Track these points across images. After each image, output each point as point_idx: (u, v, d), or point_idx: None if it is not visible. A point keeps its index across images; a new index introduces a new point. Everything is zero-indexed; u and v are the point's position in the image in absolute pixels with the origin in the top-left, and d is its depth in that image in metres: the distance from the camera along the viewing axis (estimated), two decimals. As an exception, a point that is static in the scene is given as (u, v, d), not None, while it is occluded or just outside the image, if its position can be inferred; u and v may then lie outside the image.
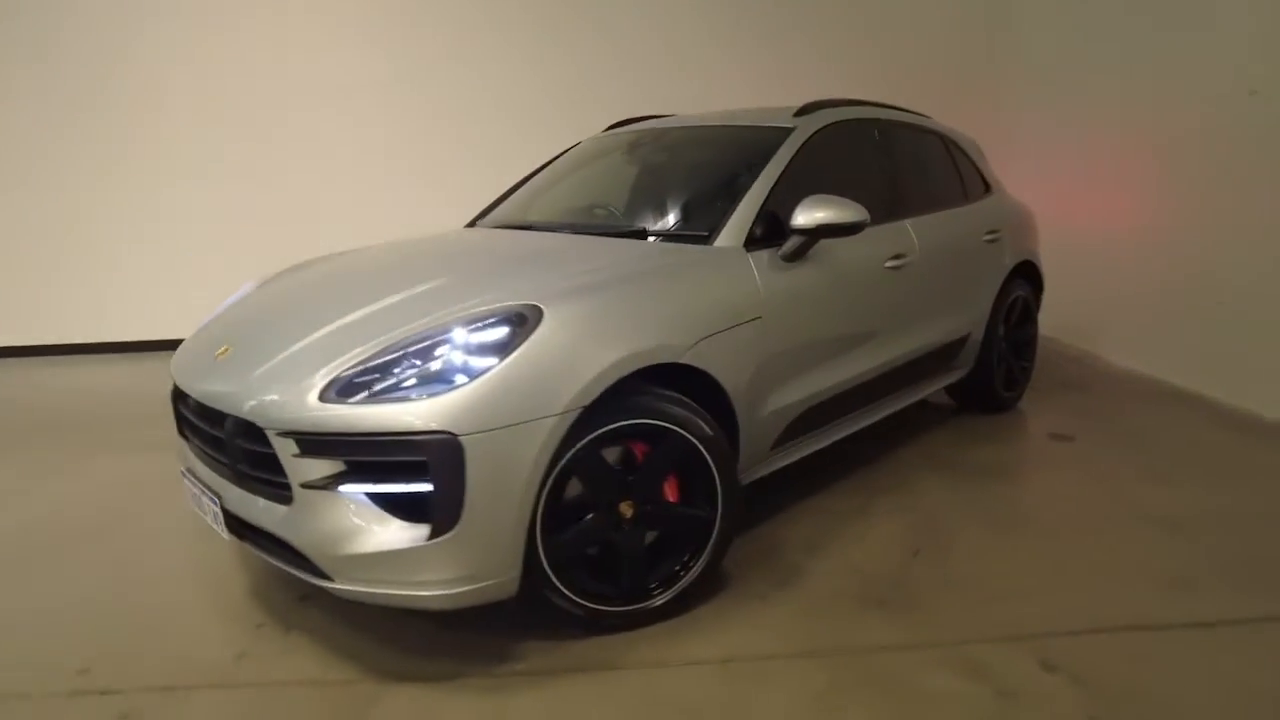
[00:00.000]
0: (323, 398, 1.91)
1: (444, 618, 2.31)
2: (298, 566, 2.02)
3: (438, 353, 1.95)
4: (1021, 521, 2.92)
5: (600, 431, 2.08)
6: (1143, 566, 2.58)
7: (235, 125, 6.02)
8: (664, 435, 2.20)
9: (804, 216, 2.60)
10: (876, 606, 2.38)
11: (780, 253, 2.65)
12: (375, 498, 1.91)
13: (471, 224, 3.48)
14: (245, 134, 6.03)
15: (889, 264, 3.09)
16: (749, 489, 2.72)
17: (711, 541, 2.32)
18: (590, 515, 2.16)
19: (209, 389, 2.15)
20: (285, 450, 1.93)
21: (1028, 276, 4.18)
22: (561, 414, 1.95)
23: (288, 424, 1.92)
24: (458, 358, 1.94)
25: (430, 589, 1.92)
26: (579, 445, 2.06)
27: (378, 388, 1.91)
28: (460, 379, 1.89)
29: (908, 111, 3.75)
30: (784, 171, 2.81)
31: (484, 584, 1.95)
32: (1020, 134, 6.18)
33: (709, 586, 2.45)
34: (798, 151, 2.90)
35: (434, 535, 1.87)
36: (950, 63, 6.36)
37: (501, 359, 1.93)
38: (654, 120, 3.70)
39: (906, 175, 3.47)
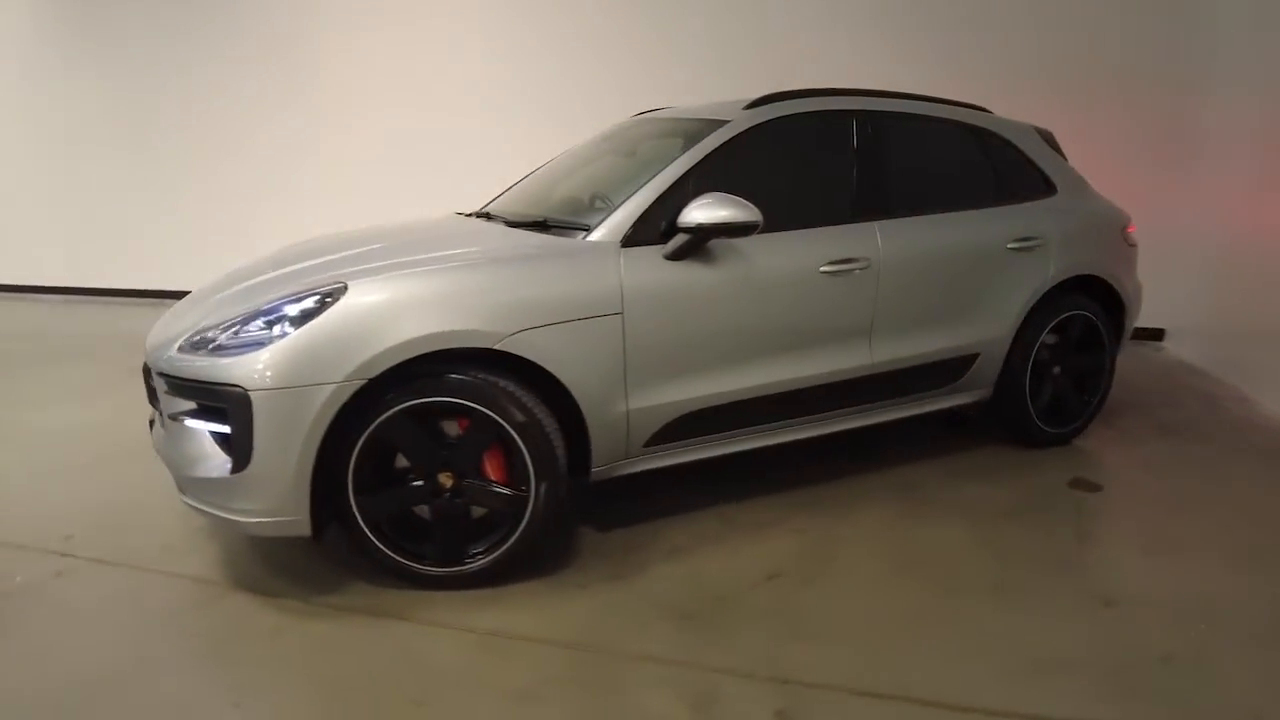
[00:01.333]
0: (180, 349, 2.36)
1: (320, 548, 2.69)
2: (175, 480, 2.51)
3: (265, 321, 2.29)
4: (928, 571, 2.60)
5: (409, 404, 2.30)
6: (1013, 645, 2.20)
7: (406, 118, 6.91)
8: (476, 416, 2.35)
9: (688, 215, 2.56)
10: (679, 618, 2.33)
11: (664, 251, 2.62)
12: (213, 434, 2.32)
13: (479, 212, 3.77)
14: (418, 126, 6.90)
15: (827, 269, 2.86)
16: (624, 481, 2.76)
17: (523, 523, 2.43)
18: (408, 481, 2.39)
19: (149, 337, 2.71)
20: (160, 387, 2.42)
21: (1095, 294, 3.54)
22: (342, 382, 2.20)
23: (160, 367, 2.40)
24: (273, 326, 2.26)
25: (241, 515, 2.29)
26: (387, 414, 2.29)
27: (214, 345, 2.30)
28: (265, 345, 2.22)
29: (927, 101, 3.35)
30: (694, 168, 2.74)
31: (277, 519, 2.27)
32: (1207, 121, 5.08)
33: (542, 566, 2.58)
34: (722, 146, 2.81)
35: (234, 470, 2.24)
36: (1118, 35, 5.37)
37: (296, 329, 2.22)
38: (654, 112, 3.71)
39: (892, 172, 3.13)
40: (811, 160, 3.07)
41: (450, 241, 2.78)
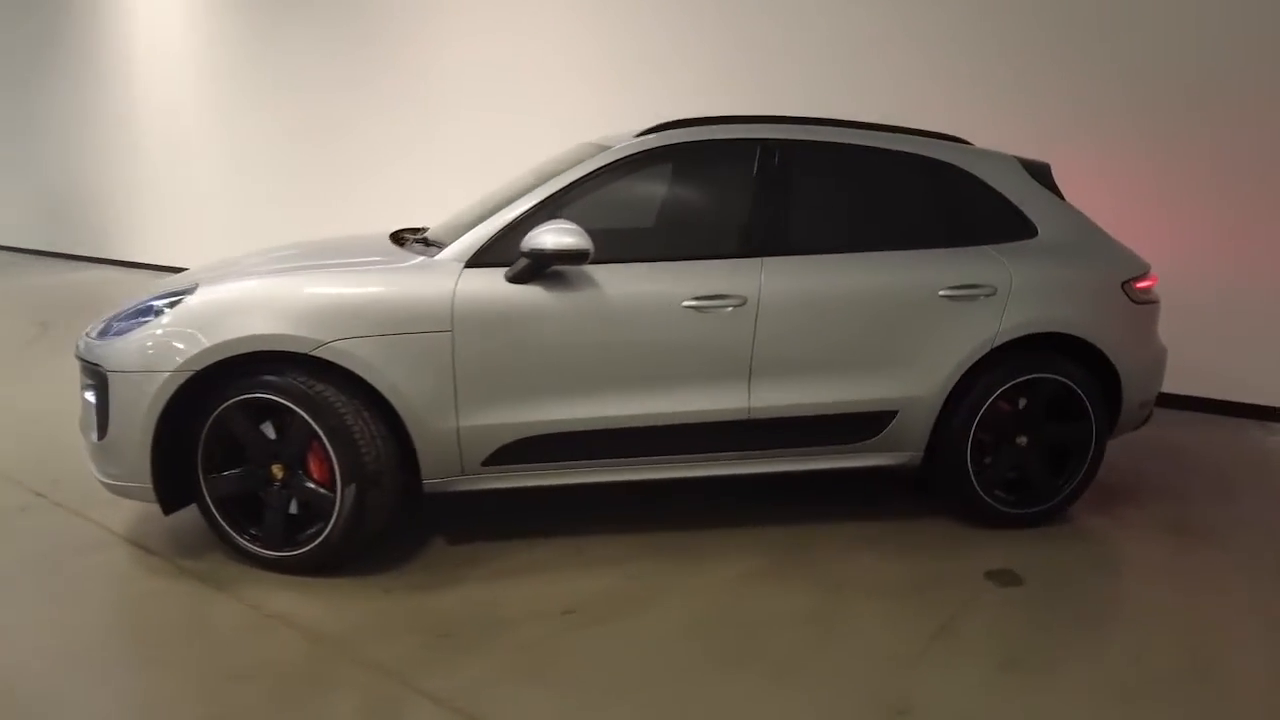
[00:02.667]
0: (89, 334, 2.80)
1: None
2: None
3: (139, 314, 2.66)
4: (730, 640, 2.39)
5: (239, 398, 2.56)
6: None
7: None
8: (293, 416, 2.55)
9: (526, 240, 2.59)
10: (436, 635, 2.38)
11: (507, 274, 2.66)
12: (95, 406, 2.73)
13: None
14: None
15: (691, 304, 2.73)
16: (459, 497, 2.82)
17: (331, 522, 2.59)
18: (243, 467, 2.65)
19: None
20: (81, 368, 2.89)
21: (1079, 355, 3.01)
22: (174, 371, 2.50)
23: (76, 348, 2.86)
24: (141, 319, 2.62)
25: (105, 477, 2.68)
26: (225, 405, 2.57)
27: (103, 330, 2.71)
28: (129, 333, 2.59)
29: (872, 130, 3.05)
30: (559, 194, 2.76)
31: (127, 484, 2.63)
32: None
33: (371, 565, 2.74)
34: (596, 173, 2.79)
35: (99, 438, 2.62)
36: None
37: (149, 322, 2.56)
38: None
39: (802, 206, 2.90)
40: (698, 191, 2.95)
41: (329, 253, 3.00)
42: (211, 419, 2.59)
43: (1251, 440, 4.30)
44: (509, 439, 2.72)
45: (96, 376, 2.62)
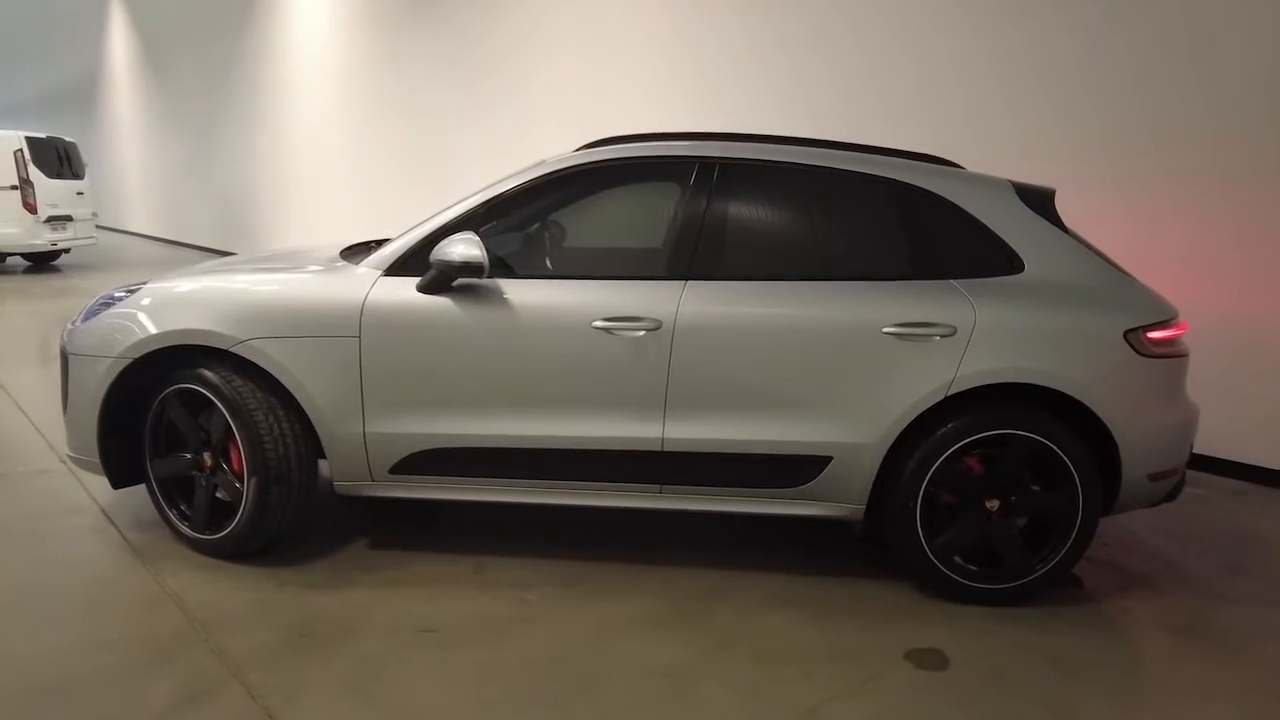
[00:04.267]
0: (73, 321, 3.11)
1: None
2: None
3: (104, 303, 2.93)
4: (567, 684, 2.24)
5: (177, 387, 2.75)
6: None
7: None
8: (213, 407, 2.70)
9: (434, 251, 2.60)
10: (294, 634, 2.42)
11: (417, 284, 2.67)
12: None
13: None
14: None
15: (600, 324, 2.59)
16: (384, 500, 2.85)
17: (239, 512, 2.70)
18: (182, 452, 2.84)
19: None
20: (68, 350, 3.23)
21: (1070, 414, 2.57)
22: (114, 358, 2.72)
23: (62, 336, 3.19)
24: (104, 308, 2.89)
25: (69, 451, 2.96)
26: (165, 393, 2.77)
27: (81, 316, 3.00)
28: (91, 319, 2.86)
29: (839, 150, 2.77)
30: (485, 206, 2.74)
31: (83, 458, 2.89)
32: None
33: (292, 556, 2.85)
34: (521, 187, 2.75)
35: (63, 411, 2.91)
36: None
37: (105, 311, 2.81)
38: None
39: (738, 229, 2.68)
40: (628, 209, 2.81)
41: (279, 260, 3.16)
42: (156, 405, 2.81)
43: None
44: (415, 449, 2.72)
45: (63, 356, 2.92)
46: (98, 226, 11.64)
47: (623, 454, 2.68)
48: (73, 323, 3.05)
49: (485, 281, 2.66)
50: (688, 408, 2.65)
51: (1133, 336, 2.59)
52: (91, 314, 2.92)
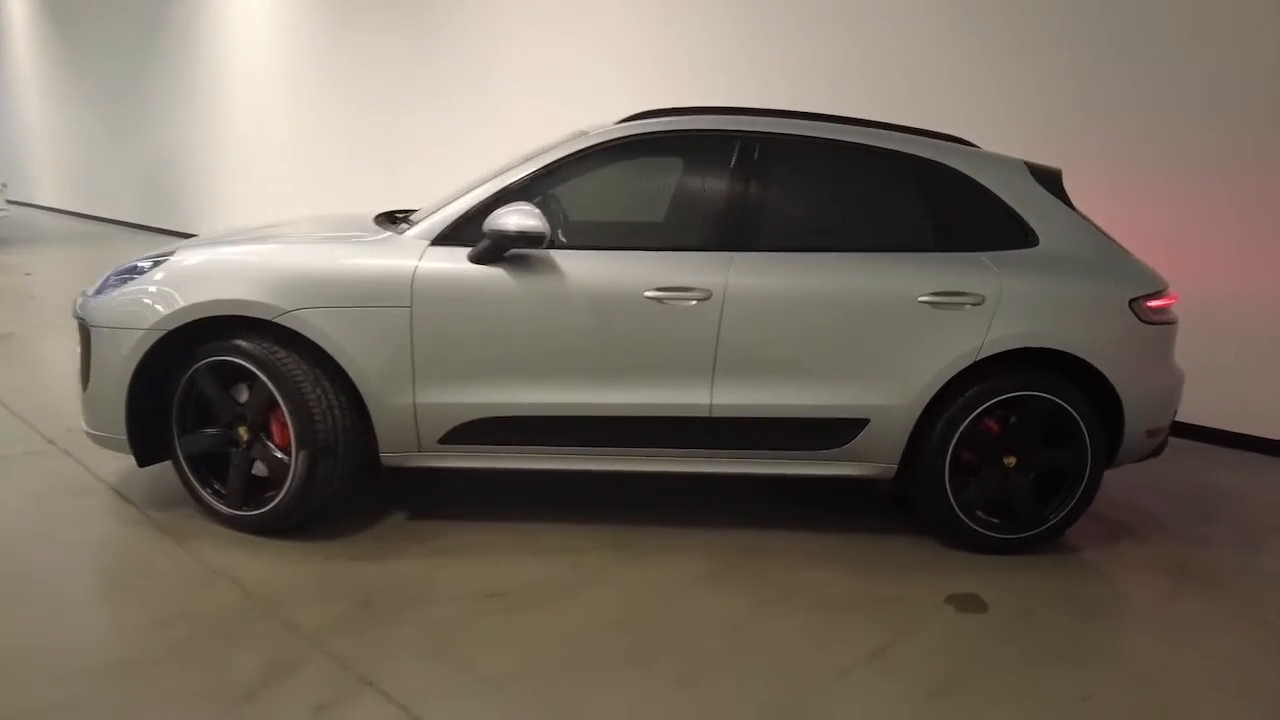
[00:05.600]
0: (85, 292, 2.97)
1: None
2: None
3: (125, 274, 2.80)
4: (649, 640, 2.33)
5: (208, 360, 2.67)
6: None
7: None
8: (256, 380, 2.64)
9: (487, 221, 2.60)
10: (359, 604, 2.41)
11: (469, 253, 2.68)
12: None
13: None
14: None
15: (652, 294, 2.67)
16: (419, 473, 2.85)
17: (285, 487, 2.66)
18: (214, 427, 2.76)
19: None
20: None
21: (1078, 375, 2.80)
22: (146, 330, 2.62)
23: (75, 308, 3.03)
24: (126, 279, 2.77)
25: (90, 429, 2.83)
26: (197, 366, 2.68)
27: (97, 289, 2.87)
28: (112, 291, 2.74)
29: (866, 127, 2.91)
30: (534, 176, 2.76)
31: (105, 435, 2.77)
32: None
33: (322, 530, 2.80)
34: (568, 158, 2.78)
35: (83, 389, 2.78)
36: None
37: (132, 280, 2.70)
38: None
39: (780, 202, 2.80)
40: (673, 181, 2.89)
41: (312, 227, 3.09)
42: (185, 379, 2.71)
43: (1265, 478, 3.89)
44: (465, 419, 2.74)
45: (82, 330, 2.78)
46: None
47: (672, 420, 2.77)
48: (86, 294, 2.91)
49: (537, 252, 2.69)
50: (735, 375, 2.75)
51: (1135, 305, 2.85)
52: (111, 284, 2.79)
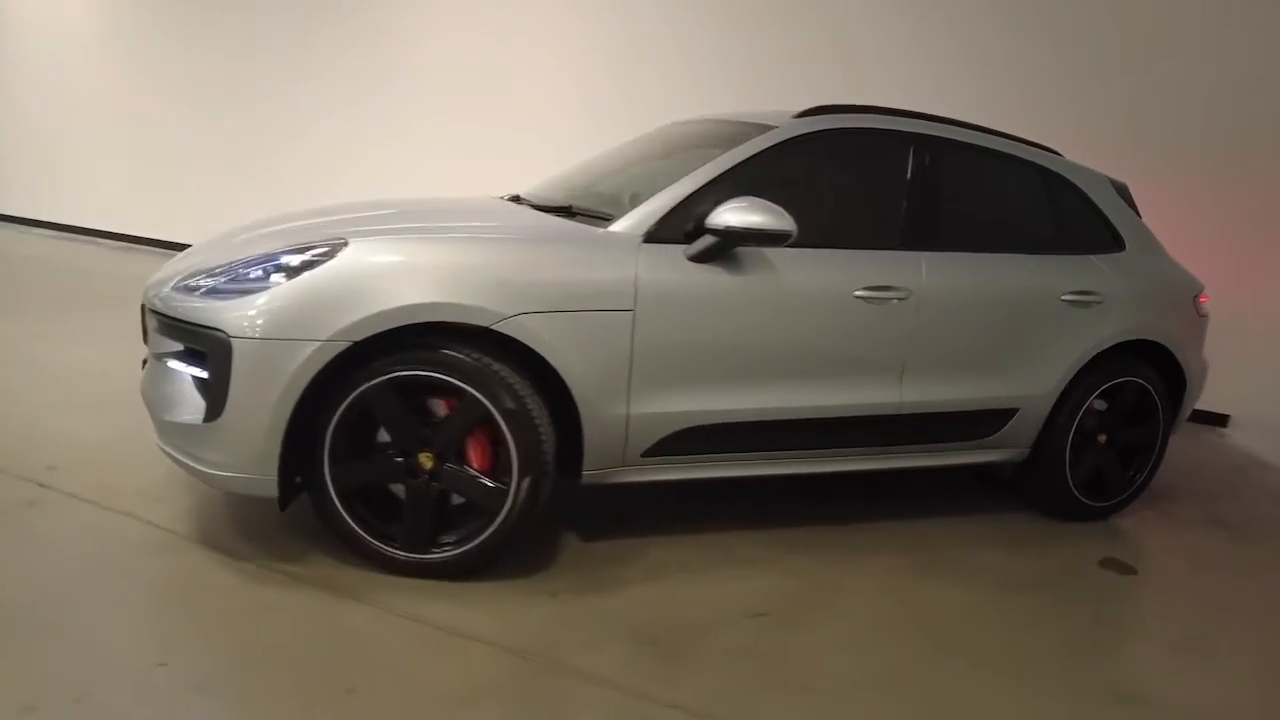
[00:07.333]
0: (174, 288, 2.29)
1: (294, 516, 2.56)
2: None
3: (261, 269, 2.21)
4: (924, 634, 2.38)
5: (398, 374, 2.19)
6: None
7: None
8: (463, 396, 2.22)
9: (716, 217, 2.41)
10: (641, 643, 2.17)
11: (688, 252, 2.47)
12: (195, 379, 2.24)
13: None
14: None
15: (861, 294, 2.68)
16: (611, 492, 2.59)
17: (500, 517, 2.28)
18: (385, 456, 2.28)
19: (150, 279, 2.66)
20: (152, 324, 2.36)
21: (1156, 362, 3.27)
22: (325, 341, 2.10)
23: (152, 303, 2.34)
24: (269, 275, 2.18)
25: (207, 466, 2.20)
26: (373, 382, 2.18)
27: (208, 287, 2.23)
28: (254, 292, 2.14)
29: (996, 136, 3.14)
30: (730, 171, 2.59)
31: (244, 476, 2.18)
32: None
33: (514, 566, 2.44)
34: (761, 154, 2.65)
35: (208, 419, 2.15)
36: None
37: (288, 280, 2.13)
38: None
39: (946, 203, 2.93)
40: (859, 178, 2.90)
41: (465, 214, 2.68)
42: (350, 399, 2.20)
43: (1214, 444, 4.84)
44: (676, 428, 2.53)
45: (210, 342, 2.14)
46: None
47: (867, 419, 2.79)
48: (185, 289, 2.23)
49: (749, 250, 2.54)
50: (922, 371, 2.84)
51: (1195, 301, 3.39)
52: (254, 284, 2.16)
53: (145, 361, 2.66)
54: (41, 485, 2.66)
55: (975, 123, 3.20)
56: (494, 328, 2.22)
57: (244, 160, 7.95)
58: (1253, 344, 4.89)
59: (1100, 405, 3.22)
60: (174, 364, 2.27)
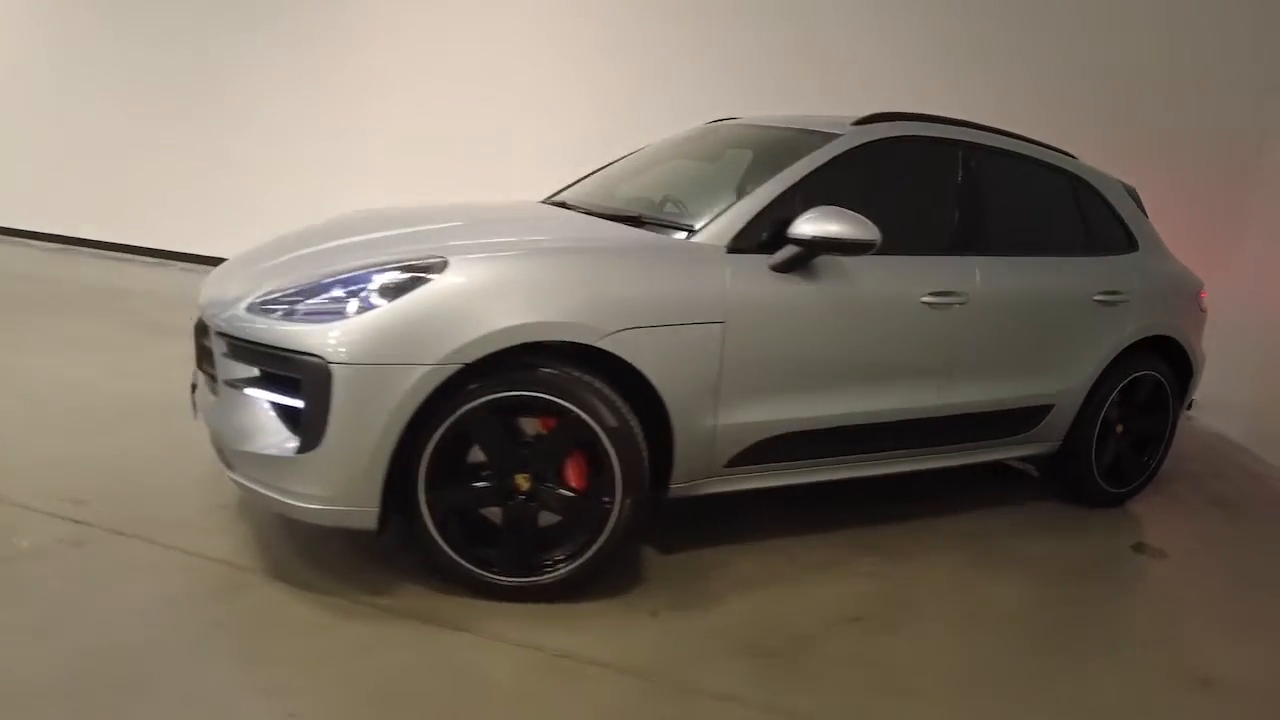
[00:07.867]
0: (250, 309, 2.14)
1: (365, 543, 2.44)
2: (218, 453, 2.27)
3: (351, 289, 2.08)
4: (1006, 627, 2.47)
5: (498, 396, 2.10)
6: (1111, 715, 2.07)
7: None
8: (565, 415, 2.16)
9: (801, 227, 2.41)
10: (756, 656, 2.17)
11: (771, 261, 2.47)
12: (275, 407, 2.10)
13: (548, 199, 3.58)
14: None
15: (927, 299, 2.74)
16: (700, 502, 2.58)
17: (603, 536, 2.24)
18: (483, 479, 2.19)
19: (203, 294, 2.48)
20: (219, 348, 2.19)
21: (1167, 356, 3.47)
22: (436, 365, 2.00)
23: (221, 326, 2.17)
24: (361, 296, 2.06)
25: (297, 499, 2.07)
26: (472, 404, 2.09)
27: (292, 309, 2.09)
28: (351, 314, 2.02)
29: (1025, 141, 3.26)
30: (805, 179, 2.60)
31: (342, 509, 2.06)
32: (1261, 190, 5.09)
33: (609, 586, 2.38)
34: (831, 161, 2.67)
35: (302, 450, 2.02)
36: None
37: (390, 301, 2.02)
38: (738, 119, 3.57)
39: (991, 208, 3.03)
40: (915, 185, 2.96)
41: (540, 226, 2.60)
42: (448, 423, 2.10)
43: (1185, 426, 5.14)
44: (758, 437, 2.53)
45: (303, 369, 1.99)
46: None
47: (919, 420, 2.86)
48: (264, 311, 2.08)
49: (824, 258, 2.55)
50: (969, 371, 2.93)
51: (1197, 297, 3.60)
52: (349, 304, 2.02)
53: (194, 386, 2.48)
54: (77, 522, 2.44)
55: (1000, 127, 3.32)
56: (597, 344, 2.16)
57: (191, 159, 7.45)
58: (1210, 331, 5.25)
59: (1118, 397, 3.40)
60: (252, 391, 2.11)
